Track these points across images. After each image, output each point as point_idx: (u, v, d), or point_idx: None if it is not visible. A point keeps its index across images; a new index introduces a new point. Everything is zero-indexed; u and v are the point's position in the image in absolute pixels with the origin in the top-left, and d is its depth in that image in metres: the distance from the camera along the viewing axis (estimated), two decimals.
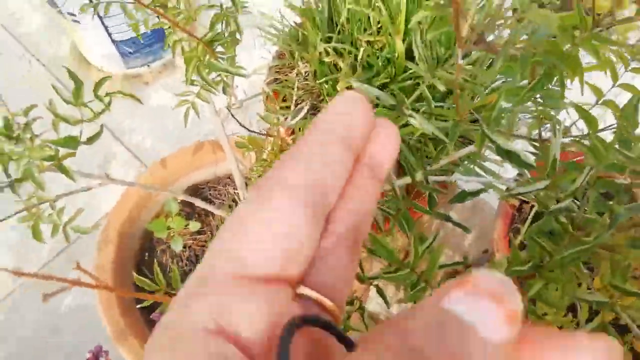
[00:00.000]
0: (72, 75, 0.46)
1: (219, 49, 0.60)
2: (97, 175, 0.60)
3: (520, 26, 0.29)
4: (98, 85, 0.51)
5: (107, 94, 0.52)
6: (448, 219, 0.47)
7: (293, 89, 0.76)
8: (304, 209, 0.18)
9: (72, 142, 0.44)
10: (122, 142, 1.36)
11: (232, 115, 0.64)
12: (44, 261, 1.13)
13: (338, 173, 0.19)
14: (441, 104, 0.79)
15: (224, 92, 0.63)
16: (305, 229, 0.18)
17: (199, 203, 0.73)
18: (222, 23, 0.54)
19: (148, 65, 1.52)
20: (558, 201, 0.40)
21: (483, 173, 0.88)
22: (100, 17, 1.32)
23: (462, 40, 0.29)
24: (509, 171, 0.90)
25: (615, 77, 0.59)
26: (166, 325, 0.17)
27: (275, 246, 0.17)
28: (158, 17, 0.58)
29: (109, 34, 1.38)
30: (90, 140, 0.48)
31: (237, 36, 0.59)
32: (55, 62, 1.50)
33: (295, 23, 0.97)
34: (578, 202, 0.42)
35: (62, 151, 0.47)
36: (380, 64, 0.85)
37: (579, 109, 0.44)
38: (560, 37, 0.42)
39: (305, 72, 0.96)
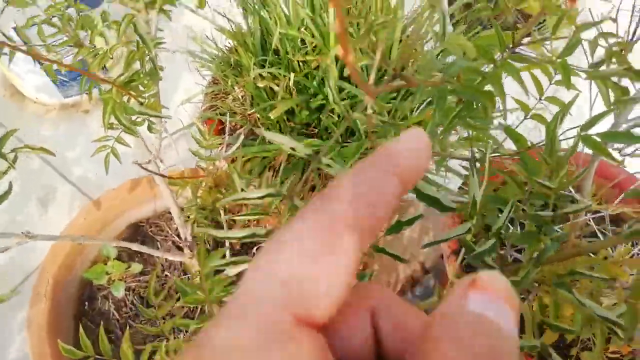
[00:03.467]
0: None
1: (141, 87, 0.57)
2: (15, 234, 0.56)
3: (437, 59, 0.27)
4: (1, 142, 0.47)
5: (13, 150, 0.48)
6: (382, 251, 0.46)
7: (227, 114, 0.73)
8: (358, 256, 0.18)
9: None
10: (64, 175, 1.29)
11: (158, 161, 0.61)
12: None
13: (387, 211, 0.19)
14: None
15: (149, 130, 0.60)
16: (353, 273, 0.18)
17: (135, 247, 0.69)
18: (140, 61, 0.51)
19: (86, 93, 1.44)
20: (489, 229, 0.40)
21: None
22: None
23: (367, 89, 0.27)
24: (453, 182, 0.90)
25: (540, 90, 0.60)
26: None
27: (333, 290, 0.17)
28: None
29: (41, 63, 1.32)
30: None
31: (159, 73, 0.56)
32: None
33: (228, 47, 0.95)
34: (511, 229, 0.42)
35: None
36: (315, 84, 0.84)
37: (507, 129, 0.43)
38: (479, 62, 0.41)
39: (242, 97, 0.93)
